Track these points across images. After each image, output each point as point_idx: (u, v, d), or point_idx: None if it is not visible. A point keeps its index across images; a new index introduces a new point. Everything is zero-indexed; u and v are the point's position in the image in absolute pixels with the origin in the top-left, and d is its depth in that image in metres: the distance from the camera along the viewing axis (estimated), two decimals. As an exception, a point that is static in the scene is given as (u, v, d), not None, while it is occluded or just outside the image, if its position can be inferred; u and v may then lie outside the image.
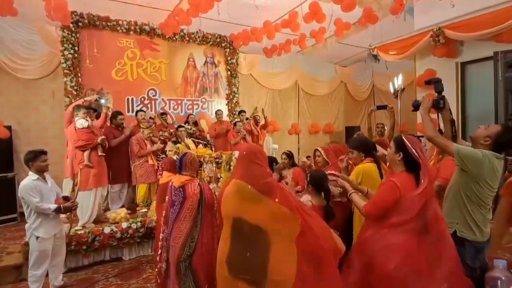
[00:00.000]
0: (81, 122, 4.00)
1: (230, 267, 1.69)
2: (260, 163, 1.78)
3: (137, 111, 5.38)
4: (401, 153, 1.93)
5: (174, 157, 3.35)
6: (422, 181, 1.80)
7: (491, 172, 1.96)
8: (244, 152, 1.84)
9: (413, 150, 1.86)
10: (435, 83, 2.29)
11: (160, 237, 2.47)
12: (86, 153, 4.01)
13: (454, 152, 1.99)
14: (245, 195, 1.71)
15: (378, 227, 1.90)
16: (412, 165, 1.89)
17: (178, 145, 4.39)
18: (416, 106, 2.29)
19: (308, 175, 2.44)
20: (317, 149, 3.24)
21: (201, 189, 2.36)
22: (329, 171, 2.62)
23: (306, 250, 1.66)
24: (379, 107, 4.71)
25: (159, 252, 2.47)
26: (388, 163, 2.18)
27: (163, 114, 6.14)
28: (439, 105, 2.20)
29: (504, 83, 4.48)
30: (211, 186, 2.60)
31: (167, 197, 2.47)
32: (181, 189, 2.34)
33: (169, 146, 3.95)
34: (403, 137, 1.97)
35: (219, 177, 3.75)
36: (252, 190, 1.69)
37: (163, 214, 2.49)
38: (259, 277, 1.62)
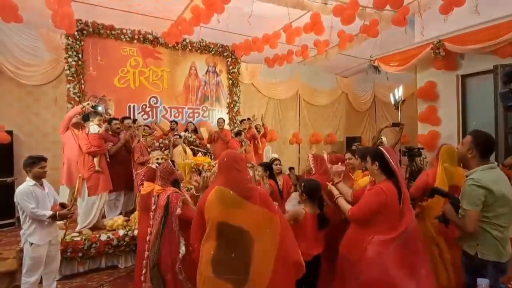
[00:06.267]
0: (95, 127, 4.13)
1: (215, 267, 1.73)
2: (240, 168, 1.85)
3: (122, 118, 5.34)
4: (376, 162, 2.01)
5: (153, 166, 3.33)
6: (403, 199, 1.91)
7: (492, 193, 1.91)
8: (225, 159, 1.88)
9: (389, 159, 1.95)
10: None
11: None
12: (96, 159, 4.11)
13: (470, 211, 1.94)
14: (228, 201, 1.78)
15: (365, 238, 1.97)
16: (389, 171, 1.97)
17: (166, 152, 4.38)
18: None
19: (302, 184, 2.42)
20: (309, 154, 3.18)
21: (168, 201, 2.34)
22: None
23: (280, 256, 1.77)
24: (394, 124, 4.78)
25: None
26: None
27: (173, 121, 6.30)
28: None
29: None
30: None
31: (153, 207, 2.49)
32: (155, 199, 2.41)
33: (156, 154, 3.86)
34: (380, 148, 2.06)
35: None
36: (234, 196, 1.77)
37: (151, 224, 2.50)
38: (242, 277, 1.69)
